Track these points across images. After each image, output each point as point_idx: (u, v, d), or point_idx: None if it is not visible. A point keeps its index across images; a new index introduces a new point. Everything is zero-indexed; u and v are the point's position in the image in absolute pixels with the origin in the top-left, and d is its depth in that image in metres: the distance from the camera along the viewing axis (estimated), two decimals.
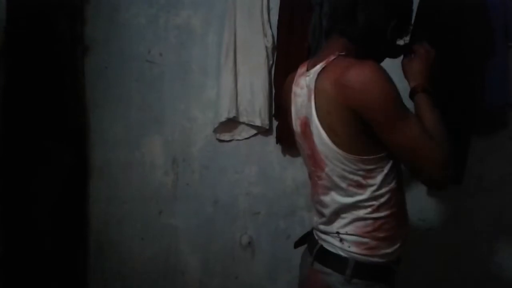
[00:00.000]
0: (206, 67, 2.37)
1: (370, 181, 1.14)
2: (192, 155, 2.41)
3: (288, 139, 2.21)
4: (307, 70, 1.24)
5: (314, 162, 1.22)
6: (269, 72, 2.26)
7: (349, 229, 1.18)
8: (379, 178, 1.14)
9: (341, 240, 1.18)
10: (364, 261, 1.16)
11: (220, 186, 2.38)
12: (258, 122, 2.25)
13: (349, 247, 1.17)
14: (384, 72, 1.07)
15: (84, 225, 2.53)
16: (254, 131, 2.32)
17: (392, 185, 1.16)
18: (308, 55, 2.14)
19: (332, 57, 1.16)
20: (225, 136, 2.34)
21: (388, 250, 1.17)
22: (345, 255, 1.17)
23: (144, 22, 2.42)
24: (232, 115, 2.24)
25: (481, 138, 2.06)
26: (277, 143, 2.27)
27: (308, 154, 1.25)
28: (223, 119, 2.25)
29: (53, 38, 2.37)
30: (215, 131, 2.33)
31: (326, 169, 1.18)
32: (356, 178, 1.14)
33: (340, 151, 1.12)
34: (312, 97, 1.16)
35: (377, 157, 1.13)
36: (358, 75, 1.06)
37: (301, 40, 2.12)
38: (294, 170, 2.28)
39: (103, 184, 2.50)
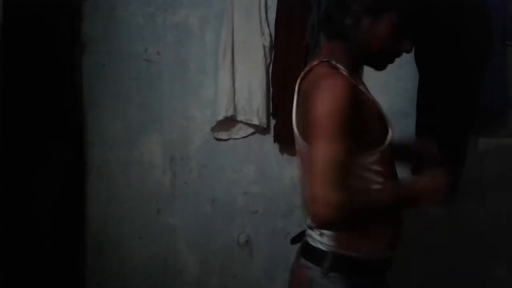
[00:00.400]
0: (204, 66, 2.36)
1: None
2: (190, 154, 2.40)
3: (286, 138, 2.21)
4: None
5: (301, 164, 1.24)
6: (267, 71, 2.25)
7: None
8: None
9: (320, 234, 1.19)
10: (342, 255, 1.16)
11: (218, 185, 2.37)
12: (256, 121, 2.25)
13: (327, 241, 1.18)
14: (343, 93, 1.05)
15: (82, 225, 2.52)
16: (251, 130, 2.32)
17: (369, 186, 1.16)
18: (306, 54, 2.15)
19: (315, 63, 1.18)
20: (223, 135, 2.34)
21: (368, 247, 1.17)
22: (324, 249, 1.18)
23: (142, 20, 2.41)
24: (230, 113, 2.23)
25: (479, 137, 2.06)
26: (275, 142, 2.27)
27: (298, 156, 1.28)
28: (220, 117, 2.25)
29: (51, 37, 2.37)
30: (213, 129, 2.33)
31: (307, 173, 1.18)
32: None
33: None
34: (295, 98, 1.20)
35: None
36: (320, 87, 1.07)
37: (299, 39, 2.12)
38: (292, 169, 2.28)
39: (101, 183, 2.50)
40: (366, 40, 1.14)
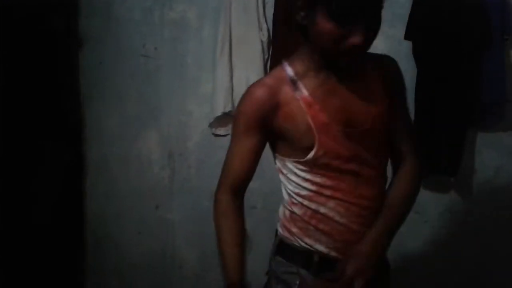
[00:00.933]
0: (201, 62, 2.36)
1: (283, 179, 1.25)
2: (188, 150, 2.40)
3: None
4: None
5: None
6: (265, 67, 2.25)
7: (280, 212, 1.29)
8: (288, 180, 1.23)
9: (278, 219, 1.29)
10: (284, 241, 1.26)
11: (216, 181, 2.35)
12: None
13: (279, 226, 1.29)
14: (250, 96, 1.17)
15: (81, 221, 2.53)
16: None
17: (305, 193, 1.20)
18: None
19: (286, 59, 1.23)
20: (221, 131, 2.34)
21: (308, 240, 1.21)
22: (277, 233, 1.29)
23: (138, 16, 2.40)
24: (228, 109, 2.23)
25: (477, 131, 2.06)
26: None
27: None
28: (218, 113, 2.25)
29: (48, 33, 2.35)
30: (211, 125, 2.32)
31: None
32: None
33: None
34: None
35: (279, 158, 1.24)
36: (245, 91, 1.21)
37: (297, 34, 2.11)
38: None
39: (100, 180, 2.50)
40: (314, 37, 1.10)
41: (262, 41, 2.23)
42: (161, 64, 2.40)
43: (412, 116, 1.99)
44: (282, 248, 1.27)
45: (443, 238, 2.15)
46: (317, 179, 1.17)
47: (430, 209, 2.14)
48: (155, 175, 2.44)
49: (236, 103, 2.25)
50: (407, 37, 1.97)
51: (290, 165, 1.20)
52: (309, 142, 1.13)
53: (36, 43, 2.30)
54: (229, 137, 2.33)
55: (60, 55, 2.43)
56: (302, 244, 1.22)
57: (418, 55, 1.99)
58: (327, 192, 1.18)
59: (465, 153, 2.01)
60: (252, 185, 2.32)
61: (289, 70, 1.17)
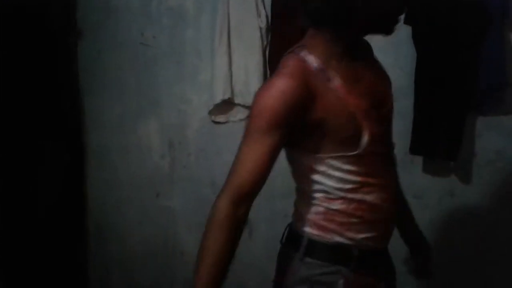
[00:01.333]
0: (200, 49, 2.35)
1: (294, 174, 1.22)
2: (188, 138, 2.41)
3: None
4: None
5: None
6: (264, 53, 2.24)
7: (303, 211, 1.20)
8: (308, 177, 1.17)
9: (298, 217, 1.21)
10: (317, 240, 1.15)
11: (217, 168, 2.38)
12: None
13: (304, 225, 1.18)
14: (276, 89, 1.05)
15: (82, 210, 2.54)
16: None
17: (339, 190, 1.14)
18: (302, 36, 2.13)
19: (293, 48, 1.16)
20: (221, 118, 2.33)
21: (349, 234, 1.14)
22: (301, 233, 1.17)
23: (136, 4, 2.39)
24: (227, 96, 2.23)
25: (477, 115, 2.06)
26: None
27: None
28: (218, 101, 2.25)
29: (46, 24, 2.35)
30: (210, 113, 2.32)
31: None
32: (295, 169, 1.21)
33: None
34: None
35: (311, 157, 1.14)
36: (263, 85, 1.13)
37: (296, 20, 2.10)
38: None
39: (100, 169, 2.51)
40: (367, 15, 1.06)
41: (260, 28, 2.22)
42: (159, 52, 2.39)
43: (411, 100, 2.01)
44: (313, 248, 1.15)
45: (443, 222, 2.16)
46: (363, 168, 1.12)
47: (430, 193, 2.15)
48: (155, 163, 2.44)
49: (235, 90, 2.26)
50: (406, 21, 1.96)
51: (331, 161, 1.11)
52: (354, 130, 1.10)
53: (34, 35, 2.29)
54: (229, 124, 2.38)
55: (59, 46, 2.42)
56: (341, 239, 1.14)
57: (417, 39, 1.98)
58: (372, 180, 1.14)
59: (465, 137, 2.01)
60: None
61: (312, 60, 1.10)
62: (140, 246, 2.48)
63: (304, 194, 1.21)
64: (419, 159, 2.11)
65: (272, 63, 2.21)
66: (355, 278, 1.13)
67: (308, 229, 1.16)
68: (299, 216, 1.21)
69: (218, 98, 2.24)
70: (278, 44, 2.19)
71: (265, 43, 2.25)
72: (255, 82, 2.23)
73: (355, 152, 1.10)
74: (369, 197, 1.14)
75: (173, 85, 2.39)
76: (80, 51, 2.47)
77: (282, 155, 2.41)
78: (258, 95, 1.09)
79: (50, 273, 2.35)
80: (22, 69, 2.26)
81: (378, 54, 1.26)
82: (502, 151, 2.07)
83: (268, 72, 2.24)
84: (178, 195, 2.43)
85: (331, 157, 1.11)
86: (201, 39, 2.34)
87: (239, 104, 2.29)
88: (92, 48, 2.45)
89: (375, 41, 1.25)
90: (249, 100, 2.24)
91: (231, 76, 2.24)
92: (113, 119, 2.47)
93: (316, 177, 1.15)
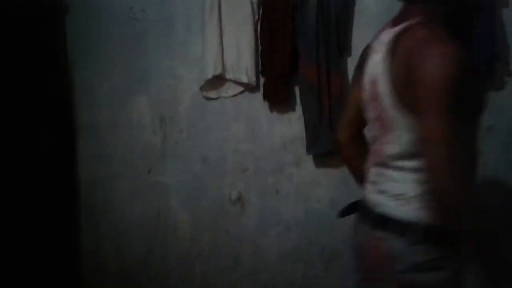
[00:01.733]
0: (190, 24, 2.32)
1: None
2: (179, 114, 2.40)
3: (275, 95, 2.21)
4: (391, 28, 1.19)
5: (381, 125, 1.18)
6: (255, 28, 2.22)
7: (416, 191, 1.13)
8: None
9: (408, 202, 1.14)
10: (437, 225, 1.10)
11: (208, 144, 2.39)
12: (244, 79, 2.23)
13: (417, 210, 1.12)
14: (459, 61, 1.02)
15: (73, 186, 2.54)
16: (241, 88, 2.30)
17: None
18: (293, 10, 2.12)
19: (414, 22, 1.12)
20: (212, 94, 2.33)
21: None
22: (413, 219, 1.12)
23: None
24: (218, 72, 2.22)
25: None
26: (264, 99, 2.26)
27: (374, 117, 1.21)
28: (209, 76, 2.23)
29: (32, 1, 2.29)
30: (202, 89, 2.31)
31: (395, 133, 1.14)
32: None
33: (406, 115, 1.09)
34: (387, 56, 1.13)
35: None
36: (434, 52, 1.03)
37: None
38: (282, 127, 2.29)
39: (91, 145, 2.50)
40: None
41: (252, 2, 2.20)
42: (149, 26, 2.36)
43: None
44: (431, 234, 1.11)
45: None
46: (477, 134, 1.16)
47: None
48: (146, 139, 2.44)
49: (226, 65, 2.24)
50: None
51: (471, 130, 1.16)
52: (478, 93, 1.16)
53: (21, 11, 2.24)
54: (220, 100, 2.37)
55: (46, 21, 2.37)
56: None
57: None
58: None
59: None
60: (244, 147, 2.36)
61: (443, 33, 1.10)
62: (133, 222, 2.50)
63: (415, 173, 1.13)
64: None
65: (263, 38, 2.20)
66: (469, 259, 1.13)
67: (423, 215, 1.12)
68: (407, 200, 1.14)
69: (209, 74, 2.22)
70: (268, 19, 2.17)
71: (256, 17, 2.22)
72: (246, 57, 2.22)
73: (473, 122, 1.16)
74: (477, 168, 1.22)
75: (163, 60, 2.37)
76: (68, 26, 2.43)
77: (275, 131, 2.42)
78: (438, 68, 1.02)
79: (41, 249, 2.36)
80: (8, 46, 2.22)
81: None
82: (493, 127, 2.09)
83: (260, 47, 2.23)
84: (170, 171, 2.44)
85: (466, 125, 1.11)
86: (191, 13, 2.31)
87: (230, 80, 2.28)
88: (80, 23, 2.41)
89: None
90: (240, 76, 2.23)
91: (222, 51, 2.22)
92: (102, 95, 2.45)
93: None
